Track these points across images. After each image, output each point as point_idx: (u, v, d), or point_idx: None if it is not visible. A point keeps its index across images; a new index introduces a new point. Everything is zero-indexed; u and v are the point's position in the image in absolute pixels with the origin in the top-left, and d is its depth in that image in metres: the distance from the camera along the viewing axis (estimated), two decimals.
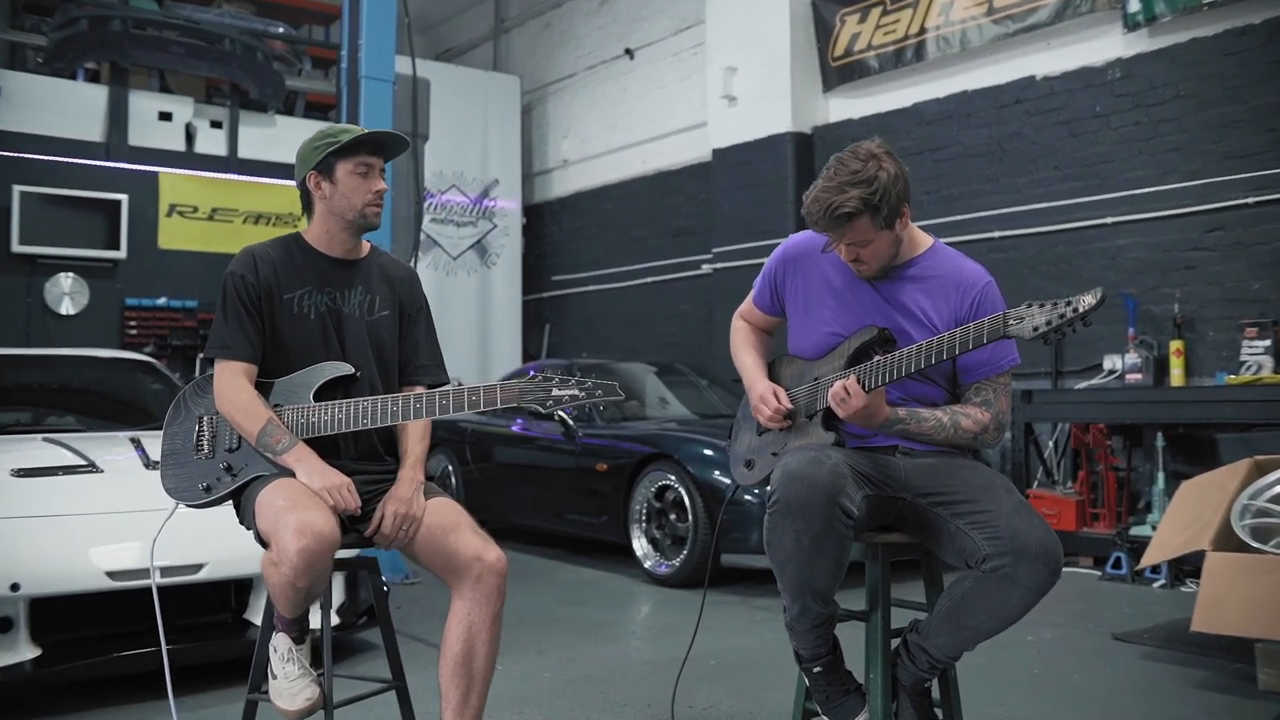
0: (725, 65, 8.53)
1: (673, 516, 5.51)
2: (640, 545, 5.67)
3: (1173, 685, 3.60)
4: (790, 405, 2.39)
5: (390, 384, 2.52)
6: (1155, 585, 5.29)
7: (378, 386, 2.47)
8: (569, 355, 10.40)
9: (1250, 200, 5.78)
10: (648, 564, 5.61)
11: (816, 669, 2.35)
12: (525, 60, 11.58)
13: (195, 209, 7.19)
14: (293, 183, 2.51)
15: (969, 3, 7.16)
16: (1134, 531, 5.62)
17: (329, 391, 2.39)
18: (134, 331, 6.87)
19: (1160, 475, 5.68)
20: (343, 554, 2.47)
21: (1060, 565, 2.08)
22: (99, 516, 3.41)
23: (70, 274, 6.75)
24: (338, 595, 3.74)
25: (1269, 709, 3.30)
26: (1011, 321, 2.06)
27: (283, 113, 7.75)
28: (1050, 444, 6.51)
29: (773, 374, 2.54)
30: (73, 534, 3.34)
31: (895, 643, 2.35)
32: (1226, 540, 3.64)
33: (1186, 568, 5.28)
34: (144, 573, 3.20)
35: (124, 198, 6.87)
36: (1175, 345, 5.98)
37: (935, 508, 2.23)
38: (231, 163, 7.36)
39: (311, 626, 2.41)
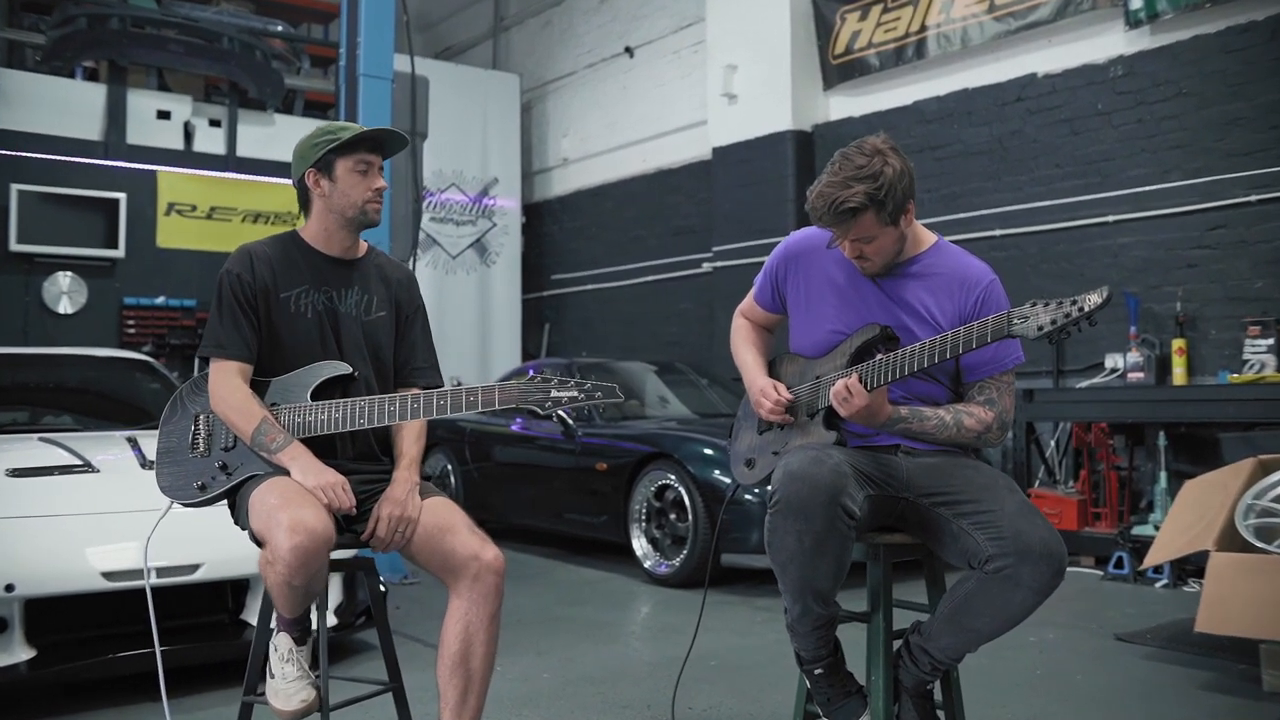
0: (725, 63, 8.51)
1: (673, 516, 5.49)
2: (640, 545, 5.65)
3: (1176, 686, 3.57)
4: (790, 397, 2.36)
5: (386, 385, 2.50)
6: (1157, 585, 5.27)
7: (374, 387, 2.45)
8: (569, 354, 10.38)
9: (1253, 198, 5.77)
10: (648, 564, 5.59)
11: (818, 670, 2.33)
12: (525, 58, 11.56)
13: (194, 208, 7.16)
14: (291, 182, 2.49)
15: (970, 0, 7.13)
16: (1136, 531, 5.61)
17: (326, 391, 2.37)
18: (132, 330, 6.85)
19: (1162, 475, 5.67)
20: (339, 554, 2.45)
21: (1064, 566, 2.06)
22: (94, 516, 3.39)
23: (68, 273, 6.72)
24: (335, 596, 3.72)
25: (1273, 710, 3.28)
26: (1016, 320, 2.04)
27: (282, 111, 7.72)
28: (1052, 443, 6.49)
29: (774, 372, 2.52)
30: (68, 534, 3.31)
31: (897, 644, 2.32)
32: (1230, 540, 3.62)
33: (1189, 568, 5.26)
34: (140, 573, 3.18)
35: (122, 196, 6.84)
36: (1177, 344, 5.96)
37: (938, 508, 2.20)
38: (230, 161, 7.33)
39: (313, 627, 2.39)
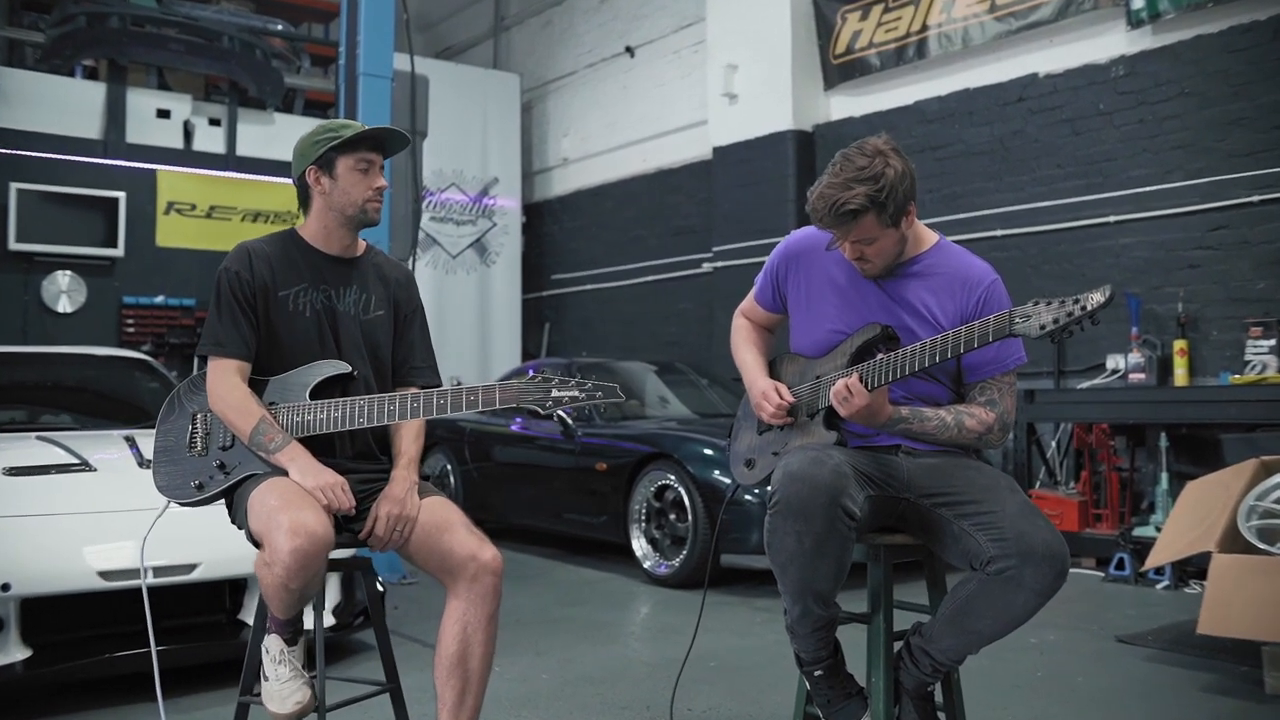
0: (726, 63, 8.50)
1: (672, 516, 5.47)
2: (640, 545, 5.64)
3: (1178, 688, 3.56)
4: (792, 400, 2.35)
5: (384, 384, 2.49)
6: (1159, 587, 5.25)
7: (373, 386, 2.44)
8: (569, 354, 10.37)
9: (1255, 198, 5.75)
10: (647, 564, 5.57)
11: (818, 672, 2.32)
12: (525, 58, 11.55)
13: (193, 207, 7.16)
14: (291, 180, 2.47)
15: (971, 0, 7.12)
16: (1137, 532, 5.59)
17: (325, 390, 2.36)
18: (132, 330, 6.84)
19: (1164, 476, 5.65)
20: (337, 554, 2.44)
21: (1066, 568, 2.04)
22: (92, 516, 3.37)
23: (68, 272, 6.72)
24: (333, 596, 3.71)
25: (1276, 713, 3.26)
26: (1018, 320, 2.02)
27: (281, 110, 7.72)
28: (1053, 444, 6.48)
29: (774, 372, 2.51)
30: (65, 533, 3.30)
31: (898, 645, 2.31)
32: (1233, 542, 3.60)
33: (1190, 569, 5.24)
34: (136, 573, 3.16)
35: (122, 195, 6.84)
36: (1179, 345, 5.94)
37: (939, 509, 2.19)
38: (230, 160, 7.33)
39: (306, 628, 2.38)
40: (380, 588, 3.72)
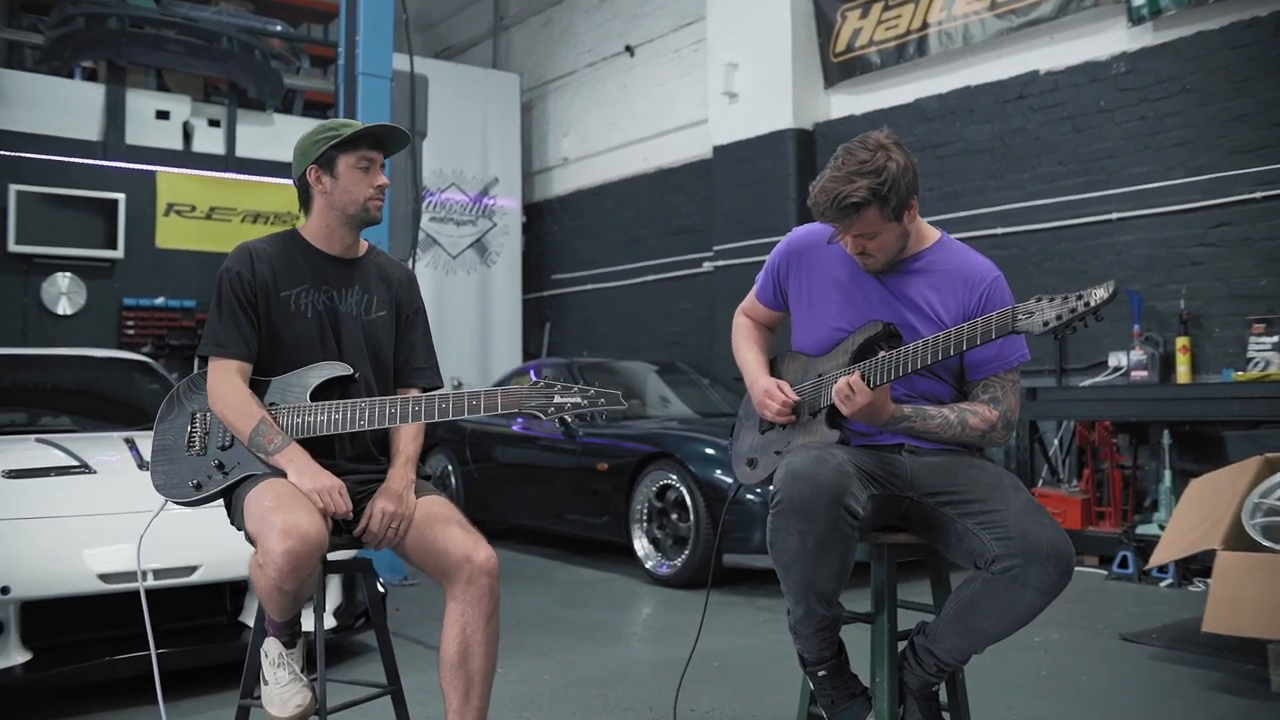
0: (726, 62, 8.48)
1: (674, 516, 5.46)
2: (641, 545, 5.62)
3: (1183, 687, 3.54)
4: (797, 398, 2.33)
5: (385, 385, 2.48)
6: (1162, 585, 5.24)
7: (373, 388, 2.43)
8: (569, 354, 10.36)
9: (1257, 195, 5.73)
10: (649, 564, 5.56)
11: (821, 673, 2.30)
12: (525, 58, 11.54)
13: (193, 208, 7.15)
14: (292, 181, 2.46)
15: None
16: (1140, 530, 5.57)
17: (326, 391, 2.35)
18: (132, 331, 6.83)
19: (1167, 473, 5.64)
20: (338, 555, 2.43)
21: (1072, 566, 2.03)
22: (91, 518, 3.36)
23: (67, 274, 6.71)
24: (334, 597, 3.70)
25: None
26: (1021, 316, 2.01)
27: (281, 111, 7.71)
28: (1055, 442, 6.46)
29: (775, 370, 2.49)
30: (64, 536, 3.29)
31: (902, 645, 2.30)
32: (1238, 539, 3.59)
33: (1194, 567, 5.23)
34: (136, 575, 3.15)
35: (121, 197, 6.83)
36: (1181, 342, 5.93)
37: (943, 507, 2.18)
38: (230, 161, 7.31)
39: (306, 630, 2.37)
40: (381, 589, 3.71)
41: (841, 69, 8.02)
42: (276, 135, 7.41)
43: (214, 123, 7.34)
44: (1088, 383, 6.36)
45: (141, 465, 3.64)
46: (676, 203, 9.59)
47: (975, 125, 7.15)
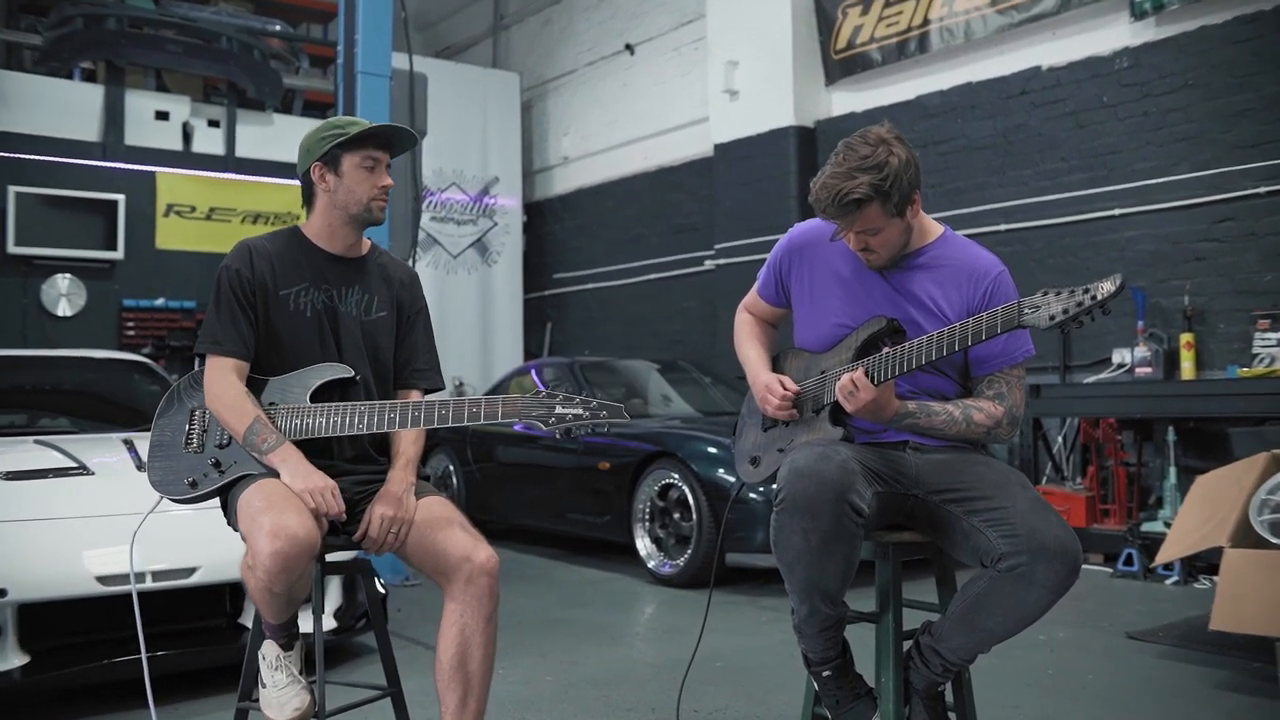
0: (726, 59, 8.46)
1: (677, 515, 5.44)
2: (644, 545, 5.60)
3: (1190, 685, 3.52)
4: (797, 390, 2.31)
5: (385, 386, 2.45)
6: (1168, 582, 5.21)
7: (373, 389, 2.41)
8: (571, 353, 10.33)
9: (1261, 190, 5.71)
10: (651, 564, 5.54)
11: (826, 672, 2.28)
12: (525, 57, 11.52)
13: (193, 209, 7.14)
14: (292, 181, 2.45)
15: None
16: (1145, 528, 5.54)
17: (325, 392, 2.32)
18: (132, 332, 6.82)
19: (1171, 470, 5.61)
20: (338, 557, 2.40)
21: (1079, 564, 2.00)
22: (89, 520, 3.34)
23: (67, 275, 6.70)
24: (334, 599, 3.68)
25: None
26: (1026, 310, 1.98)
27: (281, 111, 7.69)
28: (1059, 439, 6.44)
29: (777, 367, 2.47)
30: (62, 538, 3.27)
31: (907, 645, 2.27)
32: (1245, 536, 3.56)
33: (1199, 564, 5.20)
34: (135, 577, 3.13)
35: (121, 198, 6.82)
36: (1186, 338, 5.90)
37: (948, 505, 2.15)
38: (229, 162, 7.30)
39: (305, 632, 2.34)
40: (382, 590, 3.69)
41: (842, 66, 7.99)
42: (276, 135, 7.40)
43: (213, 123, 7.33)
44: (1092, 379, 6.33)
45: (140, 467, 3.62)
46: (677, 201, 9.57)
47: (977, 122, 7.12)
